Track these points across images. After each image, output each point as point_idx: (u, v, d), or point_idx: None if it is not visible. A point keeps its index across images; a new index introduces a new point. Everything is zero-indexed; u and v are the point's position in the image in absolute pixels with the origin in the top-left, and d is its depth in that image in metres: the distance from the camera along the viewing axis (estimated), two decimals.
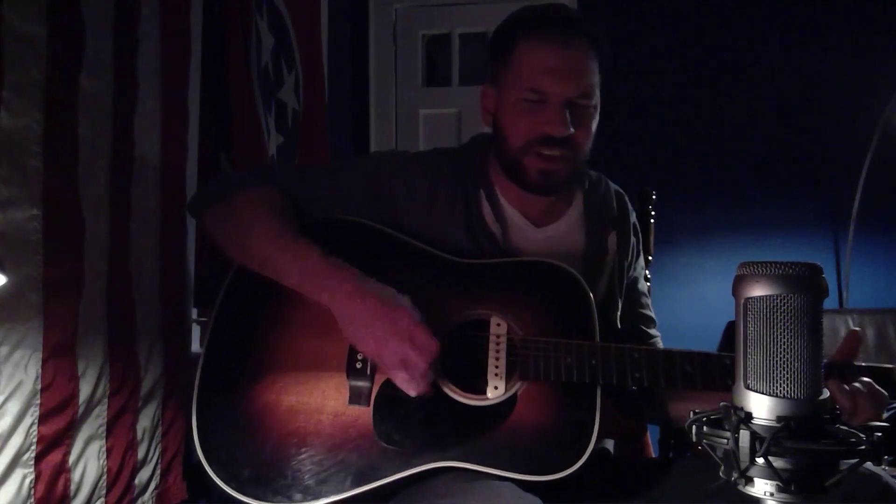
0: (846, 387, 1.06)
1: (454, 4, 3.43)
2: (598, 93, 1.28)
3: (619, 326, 1.38)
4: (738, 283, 0.75)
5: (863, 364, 1.12)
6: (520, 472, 1.09)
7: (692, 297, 3.03)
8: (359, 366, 1.17)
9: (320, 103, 2.41)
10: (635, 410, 1.43)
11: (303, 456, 1.12)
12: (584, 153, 1.29)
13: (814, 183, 3.13)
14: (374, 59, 3.46)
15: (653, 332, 1.45)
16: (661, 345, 1.44)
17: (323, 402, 1.16)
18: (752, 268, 0.74)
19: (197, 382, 1.18)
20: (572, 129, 1.23)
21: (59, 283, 1.12)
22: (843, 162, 3.04)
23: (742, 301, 0.74)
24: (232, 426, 1.15)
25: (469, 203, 1.32)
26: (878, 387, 1.08)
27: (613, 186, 1.46)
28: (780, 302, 0.72)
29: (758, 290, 0.73)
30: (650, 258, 1.83)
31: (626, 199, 1.47)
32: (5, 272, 0.92)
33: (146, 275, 1.35)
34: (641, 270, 1.49)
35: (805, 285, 0.72)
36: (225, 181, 1.34)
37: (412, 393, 1.12)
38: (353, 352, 1.18)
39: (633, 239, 1.44)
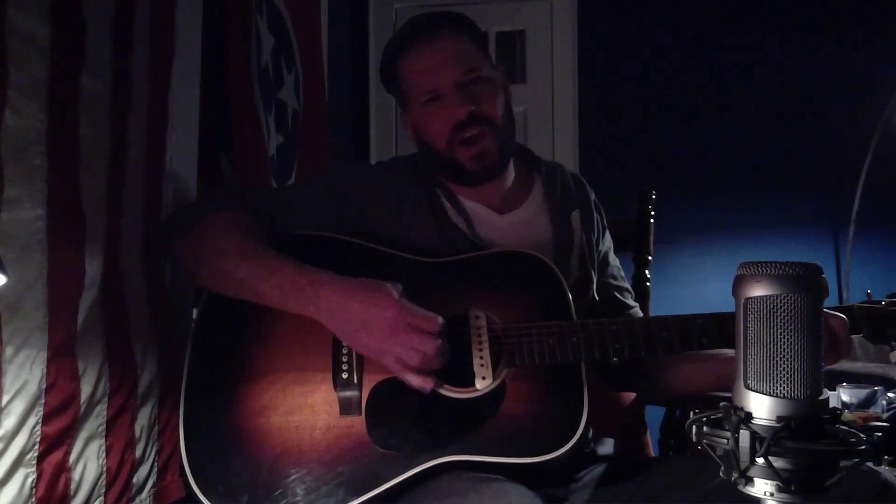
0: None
1: (454, 4, 3.43)
2: (487, 66, 1.36)
3: (597, 298, 1.42)
4: (738, 283, 0.76)
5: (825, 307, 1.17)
6: (518, 457, 1.09)
7: (692, 297, 3.03)
8: (345, 376, 1.16)
9: (320, 103, 2.41)
10: (629, 385, 1.46)
11: (301, 474, 1.10)
12: (501, 123, 1.35)
13: (814, 183, 3.14)
14: (375, 59, 3.46)
15: (629, 301, 1.49)
16: (639, 314, 1.50)
17: (313, 417, 1.14)
18: (752, 268, 0.74)
19: (182, 411, 1.16)
20: (472, 106, 1.30)
21: (63, 282, 1.12)
22: (843, 162, 3.04)
23: (742, 301, 0.75)
24: (224, 454, 1.13)
25: (433, 203, 1.35)
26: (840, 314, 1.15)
27: (569, 171, 1.51)
28: (780, 302, 0.72)
29: (758, 290, 0.73)
30: (650, 258, 1.83)
31: (583, 180, 1.52)
32: (6, 272, 0.92)
33: (135, 274, 1.35)
34: (610, 244, 1.53)
35: (805, 285, 0.72)
36: (188, 210, 1.34)
37: (426, 386, 1.12)
38: (337, 363, 1.17)
39: (595, 215, 1.48)
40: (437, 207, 1.35)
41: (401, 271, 1.26)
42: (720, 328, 1.16)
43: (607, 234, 1.53)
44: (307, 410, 1.15)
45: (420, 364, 1.10)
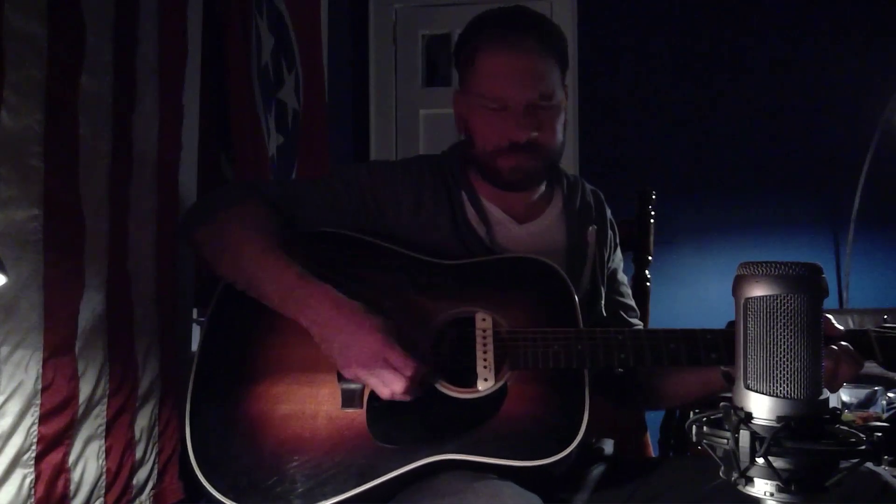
0: (826, 349, 1.09)
1: (454, 4, 3.43)
2: (560, 91, 1.33)
3: (604, 314, 1.43)
4: (739, 283, 0.76)
5: (841, 328, 1.16)
6: (516, 459, 1.10)
7: (692, 297, 3.03)
8: None
9: (320, 103, 2.41)
10: (630, 400, 1.45)
11: (300, 461, 1.12)
12: (552, 151, 1.34)
13: (814, 183, 3.14)
14: (374, 59, 3.46)
15: (634, 320, 1.49)
16: None
17: (317, 407, 1.16)
18: (752, 268, 0.74)
19: (190, 392, 1.18)
20: (535, 133, 1.28)
21: (60, 282, 1.12)
22: (843, 162, 3.04)
23: (742, 301, 0.75)
24: (226, 437, 1.15)
25: (453, 205, 1.35)
26: (853, 349, 1.13)
27: (589, 186, 1.51)
28: (780, 302, 0.72)
29: (758, 291, 0.73)
30: (650, 258, 1.83)
31: (602, 196, 1.52)
32: (6, 272, 0.92)
33: (143, 275, 1.35)
34: (620, 262, 1.53)
35: (805, 285, 0.72)
36: (210, 201, 1.35)
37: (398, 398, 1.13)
38: None
39: (610, 232, 1.49)
40: (458, 210, 1.35)
41: (413, 271, 1.27)
42: (730, 345, 1.14)
43: (618, 251, 1.54)
44: (311, 401, 1.17)
45: (388, 398, 1.12)
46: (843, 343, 1.12)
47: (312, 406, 1.16)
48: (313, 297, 1.16)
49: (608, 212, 1.51)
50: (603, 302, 1.43)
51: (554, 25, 1.36)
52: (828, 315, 1.13)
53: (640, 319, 1.52)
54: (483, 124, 1.31)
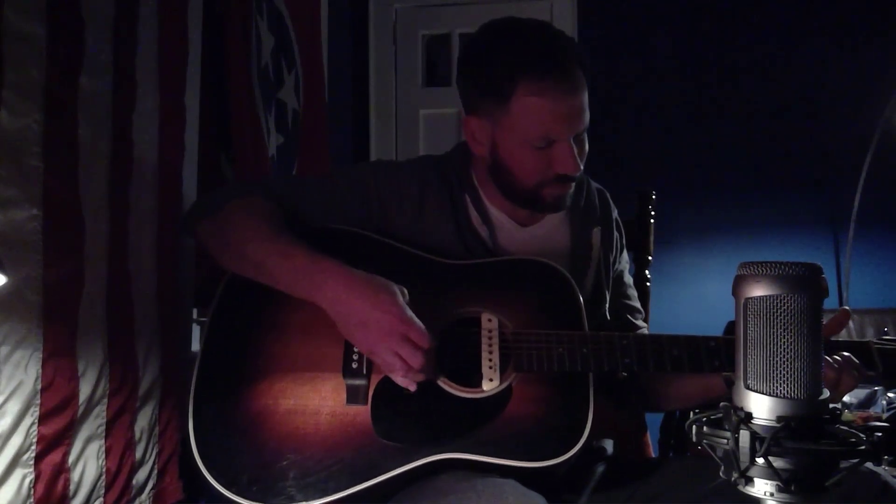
0: (830, 359, 1.11)
1: (454, 4, 3.43)
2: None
3: (608, 317, 1.42)
4: (739, 283, 0.76)
5: (841, 339, 1.18)
6: (518, 460, 1.10)
7: (692, 297, 3.03)
8: (355, 365, 1.18)
9: (320, 103, 2.41)
10: (631, 402, 1.46)
11: (302, 457, 1.12)
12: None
13: (814, 183, 3.13)
14: (374, 59, 3.46)
15: (639, 322, 1.49)
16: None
17: (321, 402, 1.16)
18: (752, 268, 0.74)
19: (193, 388, 1.18)
20: (581, 164, 1.27)
21: (60, 283, 1.12)
22: (843, 162, 3.04)
23: (742, 301, 0.75)
24: (229, 431, 1.15)
25: (456, 207, 1.35)
26: (856, 360, 1.13)
27: (595, 185, 1.48)
28: (781, 302, 0.72)
29: (758, 291, 0.73)
30: (650, 258, 1.83)
31: (608, 196, 1.49)
32: (5, 272, 0.92)
33: (144, 275, 1.35)
34: (626, 264, 1.52)
35: (805, 285, 0.72)
36: (215, 195, 1.35)
37: (410, 387, 1.14)
38: (348, 352, 1.19)
39: (615, 234, 1.47)
40: (461, 213, 1.34)
41: (419, 270, 1.27)
42: (732, 352, 1.14)
43: (625, 253, 1.52)
44: (315, 396, 1.17)
45: (403, 374, 1.13)
46: (845, 354, 1.13)
47: (316, 402, 1.16)
48: (325, 275, 1.16)
49: (614, 212, 1.49)
50: (608, 305, 1.42)
51: (584, 50, 1.28)
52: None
53: (644, 321, 1.51)
54: (526, 160, 1.25)
